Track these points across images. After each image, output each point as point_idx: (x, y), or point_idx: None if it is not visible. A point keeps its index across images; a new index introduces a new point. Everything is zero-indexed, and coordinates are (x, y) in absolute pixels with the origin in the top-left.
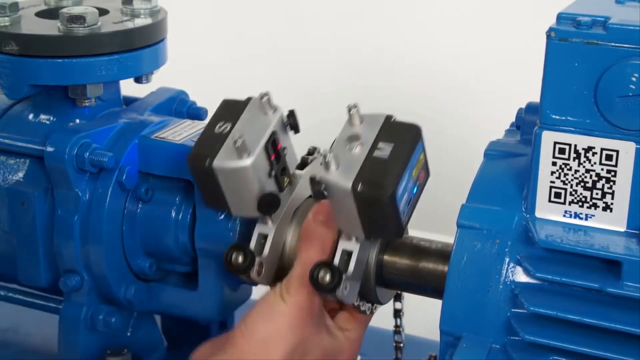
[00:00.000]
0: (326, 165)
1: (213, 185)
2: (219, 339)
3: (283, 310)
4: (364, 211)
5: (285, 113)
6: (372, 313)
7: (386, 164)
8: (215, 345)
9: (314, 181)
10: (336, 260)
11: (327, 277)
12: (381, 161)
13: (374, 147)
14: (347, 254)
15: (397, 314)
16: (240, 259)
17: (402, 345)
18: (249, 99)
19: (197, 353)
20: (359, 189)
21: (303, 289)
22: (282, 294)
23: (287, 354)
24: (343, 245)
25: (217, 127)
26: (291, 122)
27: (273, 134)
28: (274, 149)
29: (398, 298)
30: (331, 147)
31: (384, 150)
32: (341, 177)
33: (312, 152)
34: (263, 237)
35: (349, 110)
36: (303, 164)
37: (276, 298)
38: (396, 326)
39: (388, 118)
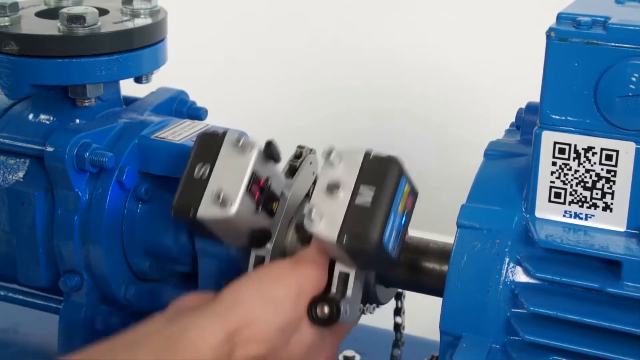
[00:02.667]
0: (309, 216)
1: (202, 228)
2: (208, 295)
3: (295, 279)
4: (353, 257)
5: (264, 145)
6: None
7: (370, 212)
8: (205, 297)
9: (300, 228)
10: (334, 283)
11: (326, 310)
12: (364, 210)
13: (355, 192)
14: (345, 276)
15: (398, 312)
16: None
17: (401, 343)
18: (225, 133)
19: (181, 300)
20: (344, 242)
21: (317, 265)
22: (294, 264)
23: (285, 323)
24: (339, 267)
25: (197, 170)
26: (270, 153)
27: (252, 174)
28: (257, 187)
29: (399, 297)
30: (311, 198)
31: (366, 195)
32: (326, 230)
33: (299, 155)
34: (261, 261)
35: (326, 156)
36: (292, 171)
37: (288, 266)
38: (396, 323)
39: (367, 155)
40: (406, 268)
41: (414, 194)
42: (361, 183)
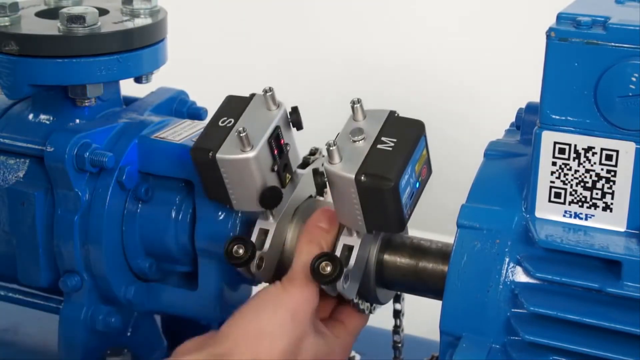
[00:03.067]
0: (330, 157)
1: (216, 178)
2: (207, 335)
3: (287, 303)
4: (366, 203)
5: (289, 110)
6: (370, 313)
7: (390, 156)
8: (204, 340)
9: (317, 172)
10: (337, 253)
11: (329, 268)
12: (385, 153)
13: (377, 140)
14: (348, 249)
15: (397, 314)
16: (241, 251)
17: (400, 345)
18: (252, 96)
19: (182, 347)
20: (362, 179)
21: (307, 283)
22: (285, 287)
23: (285, 351)
24: (344, 240)
25: (221, 121)
26: (294, 119)
27: (276, 128)
28: (277, 144)
29: (398, 299)
30: (335, 140)
31: (388, 143)
32: (345, 168)
33: (313, 152)
34: (264, 233)
35: (353, 104)
36: (304, 164)
37: (279, 291)
38: (395, 326)
39: (392, 113)
40: (406, 268)
41: (429, 166)
42: (384, 135)
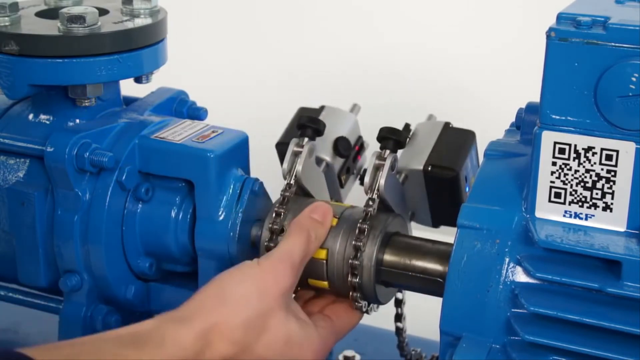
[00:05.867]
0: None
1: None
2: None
3: (255, 277)
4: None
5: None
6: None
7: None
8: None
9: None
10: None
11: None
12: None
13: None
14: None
15: (399, 318)
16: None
17: (406, 345)
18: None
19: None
20: (429, 168)
21: (282, 265)
22: (259, 263)
23: (247, 322)
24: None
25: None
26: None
27: (360, 137)
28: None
29: (399, 304)
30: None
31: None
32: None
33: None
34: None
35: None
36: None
37: (252, 265)
38: (398, 328)
39: (446, 125)
40: (406, 268)
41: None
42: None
